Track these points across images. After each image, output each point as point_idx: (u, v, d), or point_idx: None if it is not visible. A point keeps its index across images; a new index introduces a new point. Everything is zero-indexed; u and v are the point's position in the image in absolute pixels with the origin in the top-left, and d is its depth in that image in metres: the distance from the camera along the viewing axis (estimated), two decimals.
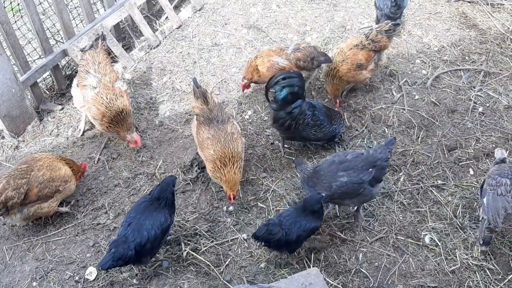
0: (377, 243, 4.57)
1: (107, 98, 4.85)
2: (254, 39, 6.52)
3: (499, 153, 4.67)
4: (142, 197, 4.26)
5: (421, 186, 4.91)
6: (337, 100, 5.49)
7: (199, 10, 6.95)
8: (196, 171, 5.00)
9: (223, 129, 4.58)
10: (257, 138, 5.39)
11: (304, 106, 4.79)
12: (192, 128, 4.90)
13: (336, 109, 5.38)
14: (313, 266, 4.30)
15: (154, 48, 6.42)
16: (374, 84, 5.86)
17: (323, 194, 4.24)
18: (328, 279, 4.24)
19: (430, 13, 6.74)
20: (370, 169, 4.23)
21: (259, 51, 5.92)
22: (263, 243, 4.20)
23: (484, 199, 4.34)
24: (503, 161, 4.58)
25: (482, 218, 4.33)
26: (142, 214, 4.03)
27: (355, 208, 4.63)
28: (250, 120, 5.57)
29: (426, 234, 4.62)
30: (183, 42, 6.52)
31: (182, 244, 4.48)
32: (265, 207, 4.76)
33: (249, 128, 5.47)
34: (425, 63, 6.10)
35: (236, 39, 6.55)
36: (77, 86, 5.07)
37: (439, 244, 4.54)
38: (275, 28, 6.66)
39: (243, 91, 5.68)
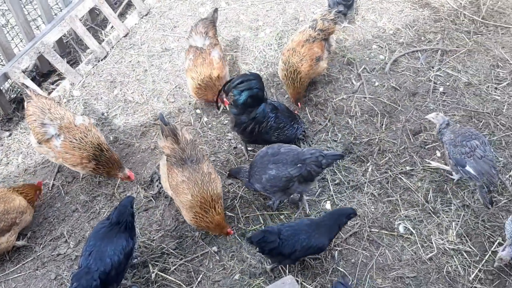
0: (352, 238, 4.45)
1: (76, 139, 4.50)
2: None
3: (439, 118, 4.55)
4: (100, 222, 3.99)
5: (390, 175, 4.81)
6: (299, 104, 5.29)
7: (146, 15, 6.66)
8: (157, 186, 4.75)
9: (199, 170, 4.13)
10: (218, 143, 5.18)
11: (267, 109, 4.62)
12: (161, 169, 4.39)
13: (296, 112, 5.20)
14: (288, 272, 4.15)
15: (101, 60, 6.11)
16: (332, 74, 5.72)
17: (357, 213, 4.16)
18: (305, 283, 4.09)
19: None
20: (299, 165, 4.14)
21: None
22: (257, 249, 4.04)
23: (468, 168, 4.30)
24: (448, 124, 4.51)
25: (479, 185, 4.33)
26: (102, 241, 3.78)
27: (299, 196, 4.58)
28: (210, 126, 5.35)
29: (400, 223, 4.52)
30: (132, 50, 6.23)
31: (150, 265, 4.25)
32: (233, 215, 4.57)
33: (209, 134, 5.25)
34: (382, 47, 5.99)
35: None
36: (40, 143, 4.61)
37: (414, 232, 4.45)
38: (227, 27, 6.44)
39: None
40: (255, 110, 4.60)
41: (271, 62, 5.90)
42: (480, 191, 4.39)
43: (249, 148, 5.07)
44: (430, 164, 4.81)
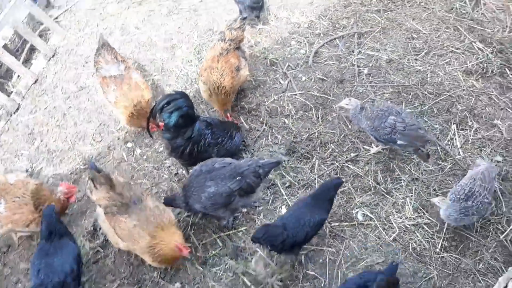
0: (315, 238, 4.34)
1: (19, 197, 4.13)
2: None
3: (353, 103, 4.53)
4: (37, 247, 3.86)
5: (337, 165, 4.76)
6: (228, 114, 5.13)
7: (53, 56, 6.26)
8: (101, 233, 4.41)
9: (145, 208, 3.88)
10: (158, 173, 4.92)
11: (201, 126, 4.42)
12: (103, 226, 4.07)
13: (230, 118, 5.05)
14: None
15: (14, 113, 5.65)
16: (258, 78, 5.61)
17: (343, 180, 4.11)
18: None
19: None
20: (238, 178, 3.99)
21: None
22: (269, 248, 3.89)
23: (400, 141, 4.36)
24: (362, 108, 4.52)
25: (414, 149, 4.50)
26: (46, 257, 3.72)
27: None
28: (145, 157, 5.07)
29: (357, 211, 4.48)
30: (45, 96, 5.81)
31: None
32: (189, 244, 4.32)
33: (146, 166, 4.98)
34: (301, 42, 5.96)
35: None
36: None
37: (372, 216, 4.43)
38: (141, 51, 6.17)
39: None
40: (190, 130, 4.39)
41: (194, 78, 5.71)
42: (416, 153, 4.52)
43: (190, 171, 4.84)
44: (370, 151, 4.82)
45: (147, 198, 3.99)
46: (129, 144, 5.18)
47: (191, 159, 4.55)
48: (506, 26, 5.75)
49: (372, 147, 4.84)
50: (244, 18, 5.69)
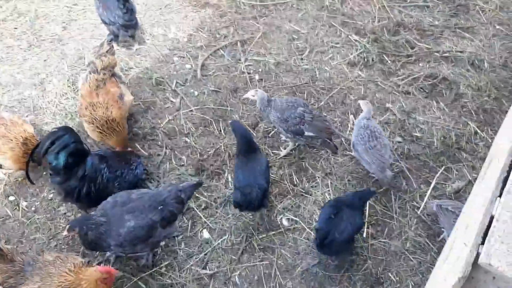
0: (244, 256, 4.08)
1: None
2: None
3: (259, 94, 4.48)
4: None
5: None
6: (128, 148, 4.65)
7: None
8: None
9: (43, 266, 3.33)
10: (53, 224, 4.24)
11: (95, 161, 3.90)
12: None
13: (131, 150, 4.57)
14: None
15: None
16: (147, 100, 5.21)
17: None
18: None
19: (160, 8, 6.33)
20: (160, 207, 3.62)
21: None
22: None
23: (307, 133, 4.40)
24: (269, 101, 4.46)
25: (321, 141, 4.58)
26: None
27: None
28: (33, 208, 4.35)
29: (281, 217, 4.31)
30: None
31: None
32: None
33: (37, 218, 4.26)
34: (184, 57, 5.69)
35: None
36: None
37: (297, 219, 4.30)
38: (5, 92, 5.37)
39: None
40: (82, 168, 3.87)
41: (74, 112, 5.10)
42: (324, 144, 4.53)
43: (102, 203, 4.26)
44: (280, 154, 4.71)
45: (42, 255, 3.44)
46: (11, 198, 4.41)
47: (90, 199, 4.00)
48: (375, 17, 6.11)
49: (282, 150, 4.74)
50: (111, 40, 5.13)
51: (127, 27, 5.39)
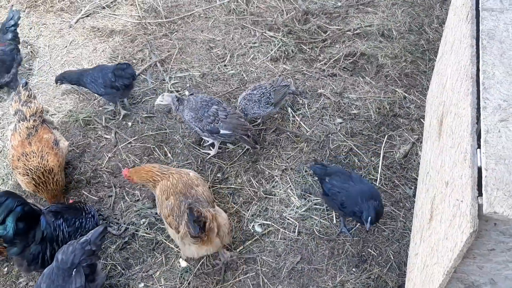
0: (228, 273, 3.99)
1: None
2: None
3: (166, 98, 4.58)
4: None
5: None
6: (61, 199, 4.34)
7: None
8: None
9: None
10: None
11: (50, 219, 3.60)
12: None
13: (71, 201, 4.26)
14: None
15: None
16: (80, 143, 4.89)
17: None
18: None
19: (66, 46, 5.93)
20: (74, 272, 3.33)
21: None
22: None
23: (223, 131, 4.47)
24: (179, 100, 4.57)
25: (239, 137, 4.59)
26: None
27: None
28: None
29: (253, 225, 4.27)
30: None
31: None
32: None
33: None
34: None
35: None
36: None
37: (269, 222, 4.28)
38: None
39: None
40: (38, 230, 3.56)
41: (4, 174, 4.69)
42: (242, 140, 4.61)
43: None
44: (210, 154, 4.75)
45: None
46: None
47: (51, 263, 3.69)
48: (282, 10, 6.24)
49: (211, 150, 4.76)
50: (26, 84, 4.71)
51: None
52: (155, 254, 4.08)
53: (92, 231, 3.54)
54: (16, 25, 5.31)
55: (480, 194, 2.01)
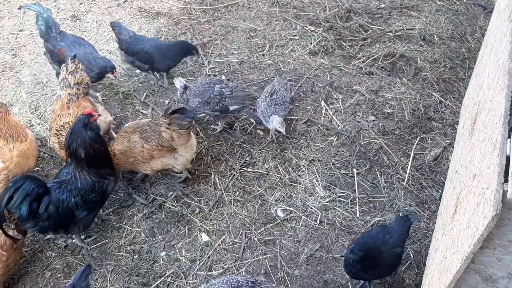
0: (247, 252, 4.07)
1: None
2: None
3: (178, 82, 4.74)
4: None
5: (235, 173, 4.55)
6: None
7: None
8: None
9: None
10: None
11: (53, 197, 3.73)
12: None
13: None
14: None
15: None
16: (117, 116, 5.08)
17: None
18: None
19: None
20: None
21: None
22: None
23: (232, 107, 4.59)
24: (185, 87, 4.68)
25: (246, 111, 4.77)
26: None
27: None
28: None
29: (275, 209, 4.34)
30: None
31: None
32: None
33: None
34: None
35: None
36: None
37: (291, 209, 4.34)
38: None
39: None
40: (43, 212, 3.68)
41: (42, 137, 4.91)
42: (249, 114, 4.81)
43: None
44: (217, 130, 4.90)
45: None
46: None
47: (62, 224, 3.83)
48: (325, 7, 6.29)
49: (217, 126, 4.94)
50: (74, 57, 4.91)
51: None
52: (179, 226, 4.20)
53: (75, 275, 3.31)
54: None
55: (506, 180, 2.02)
